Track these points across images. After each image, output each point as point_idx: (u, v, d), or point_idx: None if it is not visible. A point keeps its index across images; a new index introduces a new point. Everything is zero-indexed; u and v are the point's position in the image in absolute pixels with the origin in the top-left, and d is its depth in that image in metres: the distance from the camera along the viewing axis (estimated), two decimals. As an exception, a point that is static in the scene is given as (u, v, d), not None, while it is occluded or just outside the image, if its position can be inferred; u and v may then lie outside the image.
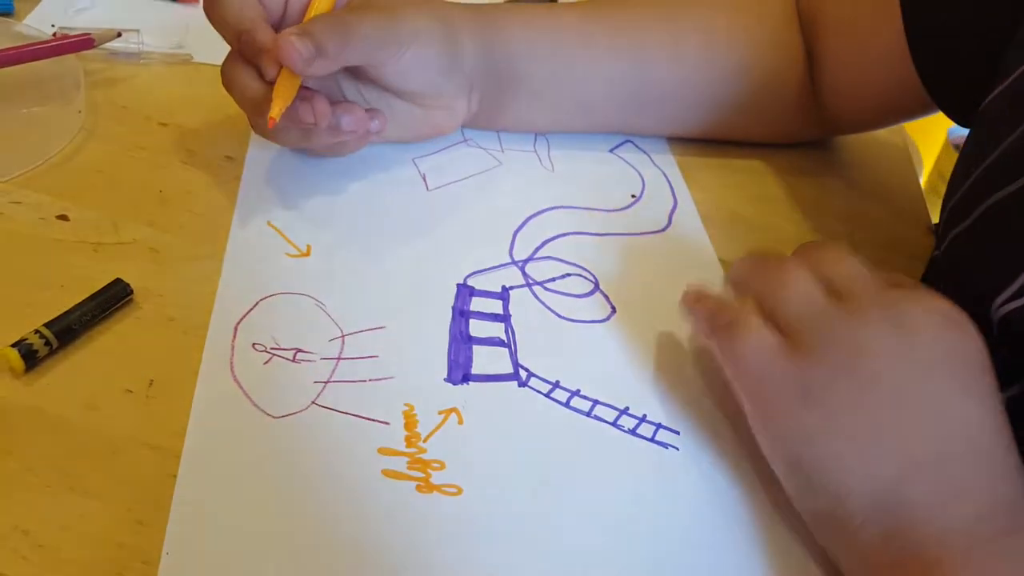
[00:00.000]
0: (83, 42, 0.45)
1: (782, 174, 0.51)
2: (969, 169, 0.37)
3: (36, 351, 0.31)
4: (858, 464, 0.29)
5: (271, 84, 0.38)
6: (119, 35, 0.47)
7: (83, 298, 0.34)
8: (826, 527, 0.30)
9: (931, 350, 0.30)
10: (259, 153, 0.44)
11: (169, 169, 0.42)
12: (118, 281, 0.35)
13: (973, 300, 0.33)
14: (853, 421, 0.29)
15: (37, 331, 0.32)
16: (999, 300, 0.33)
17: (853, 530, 0.29)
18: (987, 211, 0.35)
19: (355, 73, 0.41)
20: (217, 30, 0.39)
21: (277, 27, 0.40)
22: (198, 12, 0.53)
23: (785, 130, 0.52)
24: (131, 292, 0.35)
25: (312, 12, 0.39)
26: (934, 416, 0.29)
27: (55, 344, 0.32)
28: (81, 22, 0.50)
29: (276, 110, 0.37)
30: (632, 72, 0.47)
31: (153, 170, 0.42)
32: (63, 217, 0.38)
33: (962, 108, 0.43)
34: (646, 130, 0.51)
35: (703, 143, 0.51)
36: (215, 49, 0.50)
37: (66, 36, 0.46)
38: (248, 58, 0.39)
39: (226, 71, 0.39)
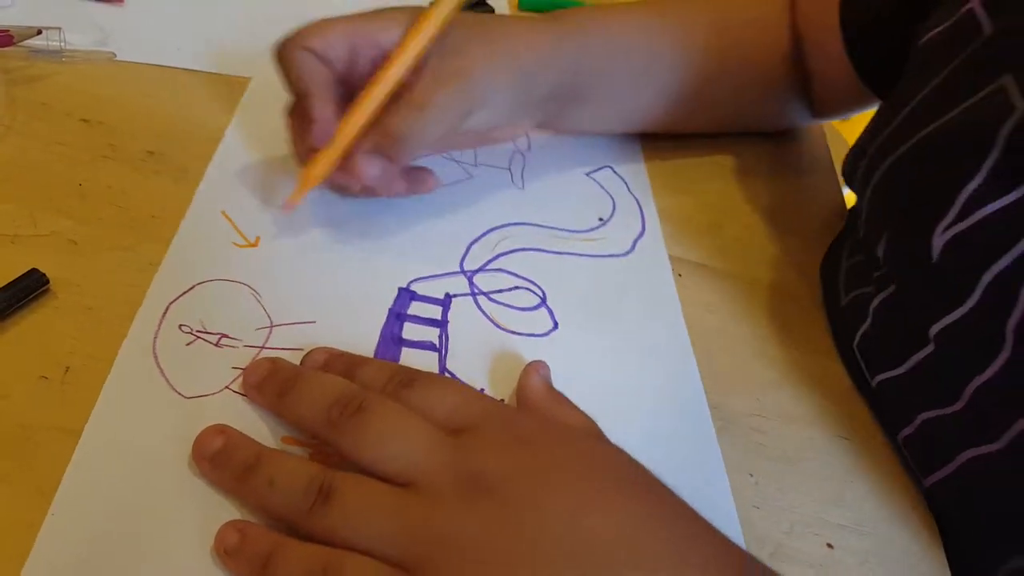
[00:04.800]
0: (1, 39, 0.45)
1: (737, 177, 0.53)
2: (896, 109, 0.39)
3: (-52, 340, 0.32)
4: None
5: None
6: (39, 32, 0.47)
7: (-3, 288, 0.34)
8: None
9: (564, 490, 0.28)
10: (232, 143, 0.45)
11: (90, 164, 0.42)
12: (33, 271, 0.35)
13: (911, 232, 0.35)
14: None
15: (-51, 320, 0.32)
16: (940, 227, 0.34)
17: None
18: (919, 142, 0.37)
19: None
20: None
21: (344, 79, 0.40)
22: (121, 11, 0.54)
23: (778, 114, 0.56)
24: (47, 282, 0.35)
25: (382, 78, 0.39)
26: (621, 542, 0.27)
27: (-32, 333, 0.32)
28: (0, 20, 0.50)
29: (296, 196, 0.39)
30: (677, 77, 0.49)
31: (73, 165, 0.42)
32: (-21, 211, 0.38)
33: (883, 83, 0.47)
34: (675, 129, 0.53)
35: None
36: (138, 47, 0.51)
37: (-16, 33, 0.46)
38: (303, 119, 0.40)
39: (290, 113, 0.42)
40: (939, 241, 0.34)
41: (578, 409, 0.34)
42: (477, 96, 0.40)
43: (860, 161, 0.41)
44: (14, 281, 0.34)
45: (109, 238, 0.39)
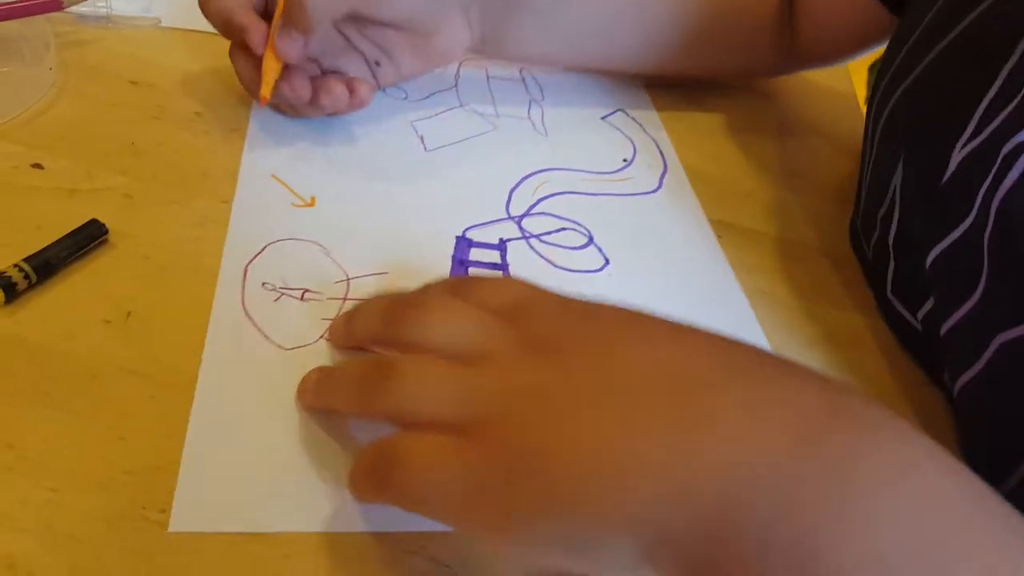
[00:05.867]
0: (51, 4, 0.46)
1: (739, 130, 0.54)
2: (908, 33, 0.39)
3: (16, 284, 0.33)
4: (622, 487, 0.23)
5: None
6: (87, -2, 0.48)
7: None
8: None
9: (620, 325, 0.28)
10: (263, 112, 0.46)
11: (140, 124, 0.43)
12: (93, 221, 0.36)
13: (929, 152, 0.35)
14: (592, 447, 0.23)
15: (16, 265, 0.33)
16: (959, 144, 0.34)
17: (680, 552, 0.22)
18: (933, 60, 0.36)
19: (351, 16, 0.42)
20: (210, 22, 0.43)
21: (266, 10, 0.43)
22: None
23: (764, 61, 0.55)
24: (107, 231, 0.36)
25: None
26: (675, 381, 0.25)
27: (34, 278, 0.33)
28: (49, -12, 0.51)
29: (266, 90, 0.42)
30: (632, 5, 0.49)
31: (125, 124, 0.43)
32: (38, 166, 0.39)
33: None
34: (638, 66, 0.53)
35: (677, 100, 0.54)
36: (184, 13, 0.52)
37: (35, -1, 0.46)
38: (238, 42, 0.42)
39: (232, 58, 0.43)
40: (955, 159, 0.34)
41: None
42: None
43: (875, 95, 0.41)
44: (76, 230, 0.35)
45: (163, 193, 0.39)
